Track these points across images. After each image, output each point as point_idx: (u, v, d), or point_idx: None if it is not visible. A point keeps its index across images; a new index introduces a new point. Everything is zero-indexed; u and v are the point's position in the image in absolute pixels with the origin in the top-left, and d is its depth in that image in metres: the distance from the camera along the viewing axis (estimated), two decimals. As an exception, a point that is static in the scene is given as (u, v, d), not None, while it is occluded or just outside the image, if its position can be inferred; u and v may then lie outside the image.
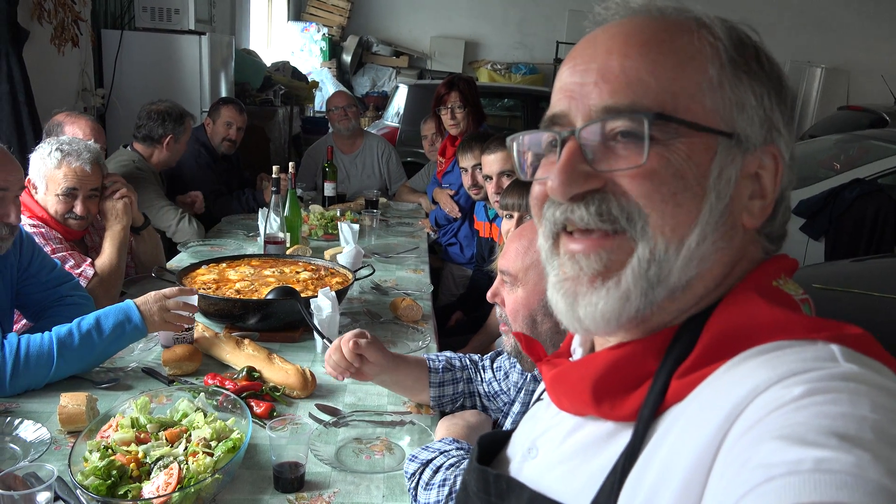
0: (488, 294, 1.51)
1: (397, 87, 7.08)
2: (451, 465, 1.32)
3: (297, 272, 2.43)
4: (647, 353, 0.66)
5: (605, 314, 0.65)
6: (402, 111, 6.47)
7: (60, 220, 2.37)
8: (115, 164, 3.25)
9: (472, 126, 3.89)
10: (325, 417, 1.67)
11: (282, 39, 9.34)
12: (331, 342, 1.77)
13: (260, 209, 3.23)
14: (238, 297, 2.16)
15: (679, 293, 0.65)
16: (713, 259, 0.65)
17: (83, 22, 4.12)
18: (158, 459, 1.32)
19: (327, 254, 2.88)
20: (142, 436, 1.39)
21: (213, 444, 1.37)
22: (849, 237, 4.47)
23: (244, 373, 1.77)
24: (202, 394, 1.57)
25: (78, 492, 1.24)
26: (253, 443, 1.50)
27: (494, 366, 1.75)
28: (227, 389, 1.65)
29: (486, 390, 1.74)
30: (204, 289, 2.21)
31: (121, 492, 1.25)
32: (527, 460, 0.79)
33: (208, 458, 1.31)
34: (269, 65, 7.29)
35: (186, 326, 1.90)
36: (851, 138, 5.62)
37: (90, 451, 1.33)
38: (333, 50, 9.55)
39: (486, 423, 1.59)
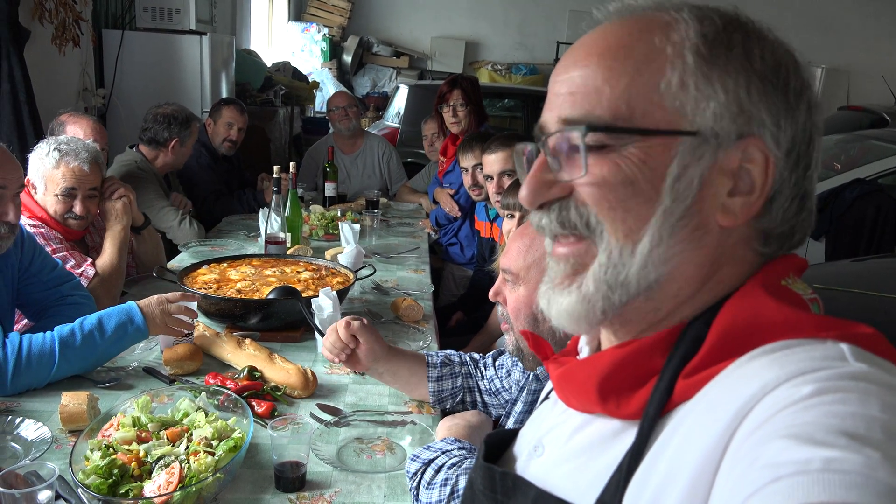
0: (490, 293, 1.51)
1: (398, 88, 7.09)
2: (454, 465, 1.32)
3: (298, 272, 2.43)
4: (654, 350, 0.65)
5: (570, 314, 0.68)
6: (402, 112, 6.47)
7: (60, 221, 2.37)
8: (117, 164, 3.27)
9: (473, 125, 3.89)
10: (327, 417, 1.67)
11: (282, 40, 9.34)
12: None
13: (261, 209, 3.23)
14: (239, 296, 2.16)
15: (653, 293, 0.66)
16: (678, 260, 0.64)
17: (84, 22, 4.12)
18: (160, 458, 1.32)
19: (328, 254, 2.88)
20: (143, 435, 1.39)
21: (214, 443, 1.37)
22: (849, 237, 4.47)
23: (245, 372, 1.77)
24: (203, 393, 1.57)
25: (79, 490, 1.24)
26: (254, 442, 1.50)
27: (497, 364, 1.75)
28: (229, 389, 1.65)
29: (488, 387, 1.74)
30: (205, 288, 2.21)
31: (122, 490, 1.25)
32: (533, 458, 0.78)
33: (210, 458, 1.31)
34: (269, 65, 7.29)
35: (186, 332, 1.90)
36: (852, 138, 5.62)
37: (91, 450, 1.33)
38: (334, 50, 9.55)
39: (486, 424, 1.59)
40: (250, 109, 6.06)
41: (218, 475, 1.28)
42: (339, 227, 3.10)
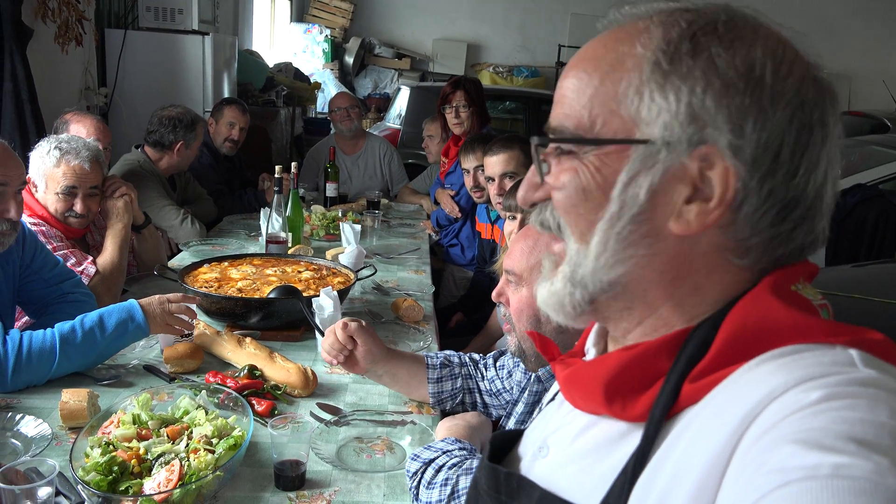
0: (493, 293, 1.52)
1: (399, 89, 7.09)
2: (454, 465, 1.32)
3: (299, 271, 2.43)
4: (660, 353, 0.65)
5: (545, 303, 0.72)
6: (403, 113, 6.48)
7: (61, 219, 2.37)
8: (120, 163, 3.27)
9: (476, 126, 3.90)
10: (327, 416, 1.67)
11: (284, 40, 9.35)
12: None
13: (262, 209, 3.24)
14: (240, 295, 2.17)
15: (617, 293, 0.68)
16: (632, 264, 0.65)
17: (87, 21, 4.12)
18: (160, 456, 1.32)
19: (329, 254, 2.88)
20: (143, 432, 1.39)
21: (214, 441, 1.37)
22: (850, 242, 4.47)
23: (245, 371, 1.77)
24: (203, 391, 1.57)
25: (79, 487, 1.24)
26: (254, 441, 1.50)
27: (497, 364, 1.75)
28: (229, 387, 1.65)
29: (488, 387, 1.74)
30: (206, 287, 2.21)
31: (122, 488, 1.25)
32: (537, 459, 0.78)
33: (210, 456, 1.31)
34: (271, 66, 7.30)
35: (186, 332, 1.90)
36: (853, 144, 5.62)
37: (91, 447, 1.33)
38: (336, 51, 9.57)
39: (486, 425, 1.58)
40: (252, 110, 6.07)
41: (218, 473, 1.28)
42: (340, 228, 3.10)
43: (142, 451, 1.32)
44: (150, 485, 1.25)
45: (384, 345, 1.71)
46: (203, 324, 2.01)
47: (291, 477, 1.38)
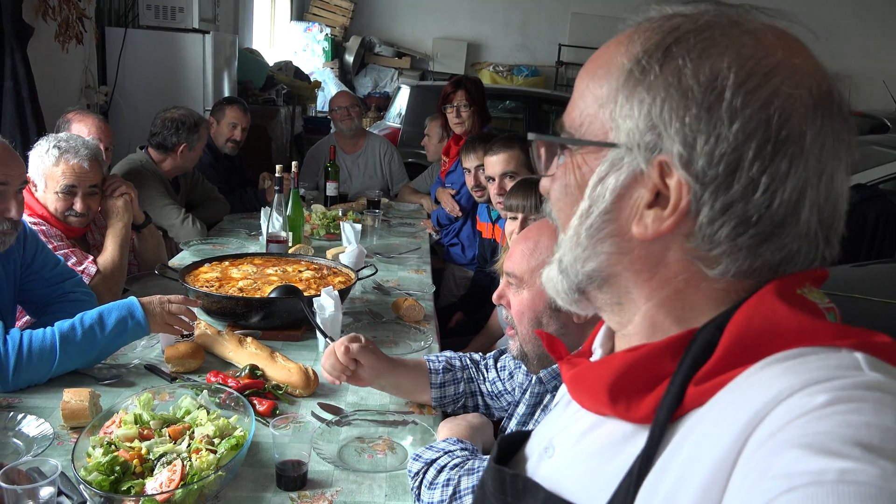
0: (494, 296, 1.51)
1: (399, 88, 7.09)
2: (456, 466, 1.32)
3: (300, 271, 2.43)
4: (664, 355, 0.65)
5: (547, 288, 0.76)
6: (403, 112, 6.48)
7: (61, 218, 2.37)
8: (123, 162, 3.28)
9: (477, 126, 3.90)
10: (328, 416, 1.67)
11: (284, 39, 9.34)
12: (333, 341, 1.77)
13: (262, 208, 3.24)
14: (241, 295, 2.17)
15: (602, 285, 0.71)
16: (604, 259, 0.68)
17: (87, 19, 4.12)
18: (161, 456, 1.32)
19: (329, 253, 2.88)
20: (145, 432, 1.39)
21: (216, 441, 1.37)
22: (850, 242, 4.46)
23: (247, 371, 1.77)
24: (205, 391, 1.57)
25: (81, 487, 1.25)
26: (255, 440, 1.50)
27: (498, 365, 1.75)
28: (230, 387, 1.65)
29: (490, 389, 1.74)
30: (207, 286, 2.21)
31: (124, 488, 1.25)
32: (543, 459, 0.79)
33: (211, 456, 1.31)
34: (271, 64, 7.30)
35: (185, 333, 1.90)
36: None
37: (93, 447, 1.33)
38: (336, 50, 9.56)
39: (488, 426, 1.59)
40: (252, 108, 6.06)
41: (220, 473, 1.28)
42: (341, 227, 3.10)
43: (143, 451, 1.32)
44: (152, 485, 1.25)
45: (385, 357, 1.69)
46: (204, 323, 2.01)
47: (293, 477, 1.38)
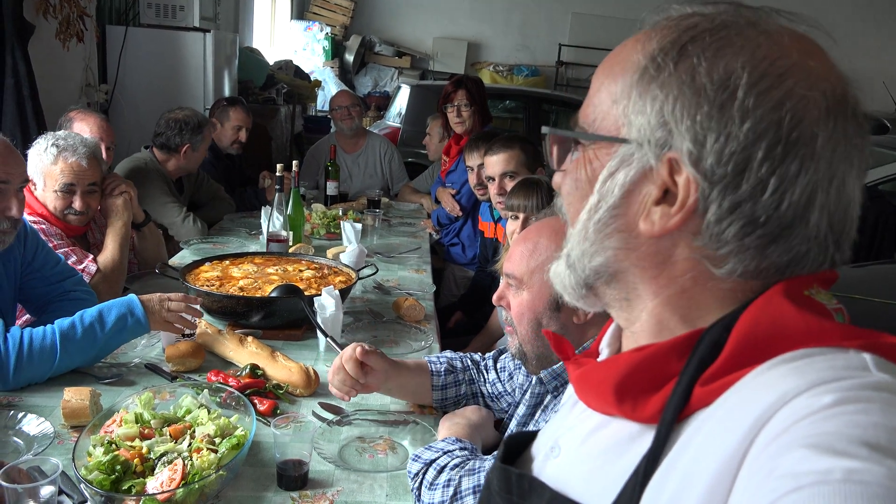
0: (494, 297, 1.51)
1: (399, 88, 7.08)
2: (456, 466, 1.32)
3: (301, 270, 2.43)
4: (671, 355, 0.65)
5: (554, 283, 0.76)
6: (403, 111, 6.48)
7: (60, 217, 2.37)
8: (126, 161, 3.29)
9: (477, 125, 3.89)
10: (329, 416, 1.67)
11: (285, 38, 9.34)
12: (334, 340, 1.77)
13: (263, 207, 3.24)
14: (241, 294, 2.17)
15: (610, 281, 0.71)
16: (612, 255, 0.69)
17: (88, 17, 4.11)
18: (162, 455, 1.32)
19: (330, 253, 2.88)
20: (146, 431, 1.39)
21: (217, 440, 1.37)
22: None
23: (247, 370, 1.77)
24: (206, 390, 1.57)
25: (82, 486, 1.25)
26: (256, 440, 1.50)
27: (498, 366, 1.75)
28: (231, 386, 1.65)
29: (490, 391, 1.74)
30: (207, 286, 2.21)
31: (125, 487, 1.25)
32: (549, 459, 0.79)
33: (212, 455, 1.31)
34: (272, 63, 7.29)
35: (188, 332, 1.90)
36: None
37: (94, 446, 1.33)
38: (336, 49, 9.55)
39: (487, 421, 1.59)
40: (252, 107, 6.05)
41: (220, 472, 1.28)
42: (341, 226, 3.10)
43: (144, 451, 1.32)
44: (153, 484, 1.25)
45: (390, 359, 1.68)
46: (205, 322, 2.01)
47: (294, 476, 1.38)
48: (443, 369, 1.74)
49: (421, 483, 1.33)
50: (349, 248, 2.77)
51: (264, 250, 2.78)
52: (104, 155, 2.88)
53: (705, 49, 0.63)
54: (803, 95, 0.61)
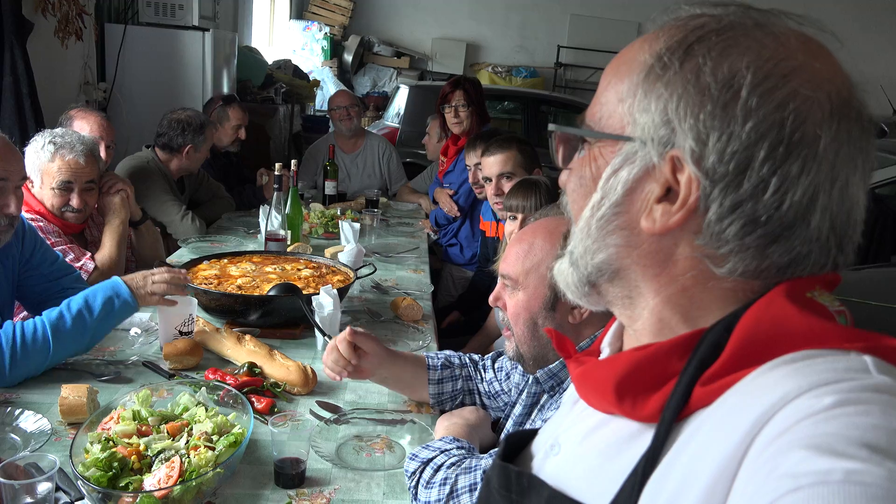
0: (490, 298, 1.52)
1: (398, 88, 7.09)
2: (452, 465, 1.32)
3: (299, 269, 2.44)
4: (672, 354, 0.65)
5: (558, 281, 0.77)
6: (402, 112, 6.48)
7: (58, 214, 2.37)
8: (129, 158, 3.31)
9: (475, 126, 3.90)
10: (326, 414, 1.67)
11: (284, 37, 9.34)
12: (332, 339, 1.77)
13: (261, 206, 3.24)
14: (240, 292, 2.16)
15: (613, 279, 0.71)
16: (613, 252, 0.69)
17: (87, 15, 4.11)
18: (160, 452, 1.32)
19: (328, 252, 2.88)
20: (143, 428, 1.39)
21: (214, 438, 1.37)
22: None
23: (245, 368, 1.77)
24: (203, 388, 1.57)
25: (79, 483, 1.24)
26: (253, 438, 1.50)
27: (496, 366, 1.75)
28: (229, 384, 1.65)
29: (487, 389, 1.74)
30: (205, 284, 2.21)
31: (122, 484, 1.25)
32: (549, 457, 0.79)
33: (210, 452, 1.30)
34: (270, 63, 7.29)
35: (184, 331, 1.90)
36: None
37: (91, 443, 1.33)
38: (335, 49, 9.55)
39: (485, 421, 1.59)
40: (251, 107, 6.06)
41: (218, 470, 1.28)
42: (339, 226, 3.10)
43: (142, 448, 1.32)
44: (151, 481, 1.25)
45: (385, 347, 1.70)
46: (203, 321, 2.01)
47: (291, 475, 1.38)
48: (439, 364, 1.75)
49: (418, 481, 1.34)
50: (347, 247, 2.77)
51: (262, 249, 2.78)
52: (104, 154, 2.88)
53: (711, 49, 0.64)
54: (807, 96, 0.61)
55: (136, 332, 2.00)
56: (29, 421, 1.50)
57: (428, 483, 1.32)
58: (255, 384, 1.71)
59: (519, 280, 1.42)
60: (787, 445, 0.52)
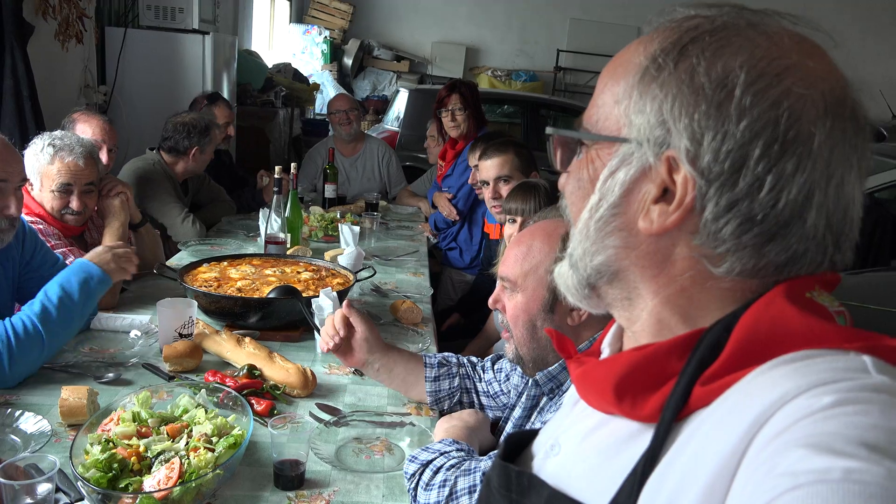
0: (490, 300, 1.52)
1: (398, 92, 7.10)
2: (452, 467, 1.32)
3: (298, 272, 2.44)
4: (671, 354, 0.65)
5: (558, 283, 0.77)
6: (402, 115, 6.49)
7: (57, 217, 2.37)
8: (135, 160, 3.33)
9: (472, 129, 3.90)
10: (326, 417, 1.68)
11: (284, 41, 9.35)
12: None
13: (261, 209, 3.24)
14: (239, 295, 2.17)
15: (612, 280, 0.71)
16: (612, 254, 0.69)
17: (88, 18, 4.12)
18: (160, 454, 1.32)
19: (328, 255, 2.88)
20: (143, 430, 1.39)
21: (214, 439, 1.37)
22: (846, 250, 4.47)
23: (245, 370, 1.77)
24: (203, 390, 1.57)
25: (79, 484, 1.24)
26: (253, 440, 1.50)
27: (495, 367, 1.76)
28: (228, 386, 1.65)
29: (486, 389, 1.75)
30: (205, 286, 2.21)
31: (122, 485, 1.25)
32: (549, 457, 0.79)
33: (209, 454, 1.31)
34: (270, 66, 7.30)
35: (185, 333, 1.92)
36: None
37: (91, 444, 1.33)
38: (335, 53, 9.57)
39: (484, 424, 1.59)
40: (250, 110, 6.09)
41: (217, 471, 1.28)
42: (339, 229, 3.10)
43: (142, 449, 1.32)
44: (150, 482, 1.25)
45: (379, 336, 1.74)
46: (202, 323, 2.01)
47: (291, 476, 1.38)
48: (436, 362, 1.76)
49: (417, 483, 1.34)
50: (347, 250, 2.77)
51: (262, 252, 2.78)
52: (106, 157, 2.89)
53: (705, 49, 0.64)
54: (801, 94, 0.62)
55: (136, 335, 2.00)
56: (29, 422, 1.50)
57: (427, 485, 1.32)
58: (254, 386, 1.71)
59: (518, 282, 1.43)
60: (786, 444, 0.52)
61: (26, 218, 2.26)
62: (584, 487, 0.70)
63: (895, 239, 4.50)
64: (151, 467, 1.30)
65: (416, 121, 6.00)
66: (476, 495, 1.25)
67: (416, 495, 1.33)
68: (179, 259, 2.94)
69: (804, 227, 0.63)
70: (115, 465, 1.26)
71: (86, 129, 2.90)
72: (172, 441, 1.37)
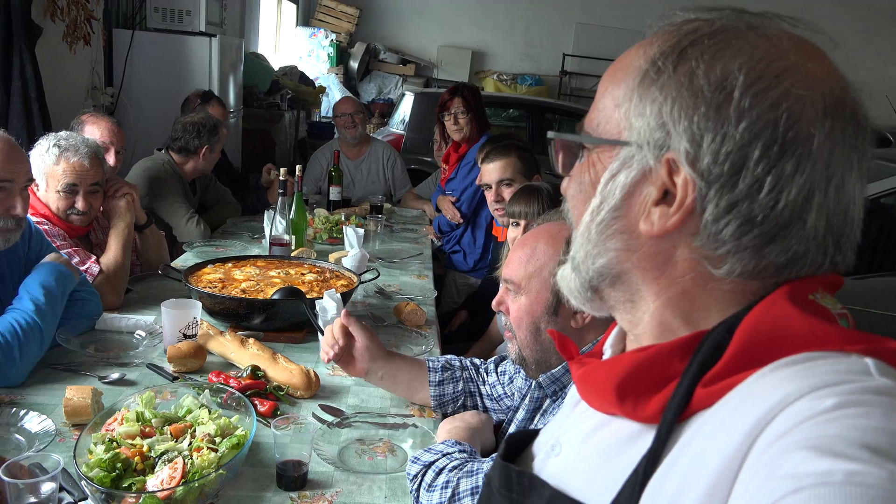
0: (493, 303, 1.52)
1: (403, 95, 7.11)
2: (454, 468, 1.32)
3: (303, 274, 2.44)
4: (673, 355, 0.65)
5: (561, 287, 0.78)
6: (407, 119, 6.50)
7: (63, 217, 2.37)
8: (145, 160, 3.35)
9: (475, 132, 3.90)
10: (329, 418, 1.68)
11: (290, 44, 9.38)
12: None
13: (266, 211, 3.25)
14: (244, 296, 2.17)
15: (614, 283, 0.72)
16: (614, 256, 0.70)
17: (95, 21, 4.15)
18: (163, 454, 1.33)
19: (332, 257, 2.89)
20: (147, 430, 1.40)
21: (217, 440, 1.37)
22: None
23: (248, 371, 1.78)
24: (206, 391, 1.58)
25: (82, 483, 1.25)
26: (256, 441, 1.50)
27: (499, 370, 1.76)
28: (232, 387, 1.66)
29: (489, 391, 1.75)
30: (210, 288, 2.22)
31: (125, 484, 1.25)
32: (550, 457, 0.79)
33: (212, 454, 1.31)
34: (276, 69, 7.33)
35: (188, 331, 1.93)
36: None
37: (95, 444, 1.33)
38: (341, 56, 9.59)
39: (487, 425, 1.59)
40: (257, 112, 6.11)
41: (220, 472, 1.28)
42: (344, 231, 3.11)
43: (145, 449, 1.33)
44: (153, 482, 1.26)
45: (381, 344, 1.73)
46: (206, 324, 2.02)
47: (293, 477, 1.39)
48: (439, 366, 1.75)
49: (420, 485, 1.34)
50: (351, 252, 2.77)
51: (267, 254, 2.79)
52: (114, 159, 2.90)
53: (704, 52, 0.64)
54: (800, 96, 0.62)
55: (140, 335, 2.01)
56: (33, 422, 1.51)
57: (430, 486, 1.32)
58: (258, 387, 1.72)
59: (521, 284, 1.43)
60: (789, 447, 0.52)
61: (32, 218, 2.27)
62: (585, 488, 0.70)
63: (900, 244, 4.48)
64: (155, 467, 1.30)
65: (422, 124, 6.01)
66: (478, 497, 1.25)
67: (418, 496, 1.33)
68: (184, 260, 2.94)
69: (804, 227, 0.63)
70: (119, 465, 1.27)
71: (94, 130, 2.91)
72: (176, 441, 1.37)
